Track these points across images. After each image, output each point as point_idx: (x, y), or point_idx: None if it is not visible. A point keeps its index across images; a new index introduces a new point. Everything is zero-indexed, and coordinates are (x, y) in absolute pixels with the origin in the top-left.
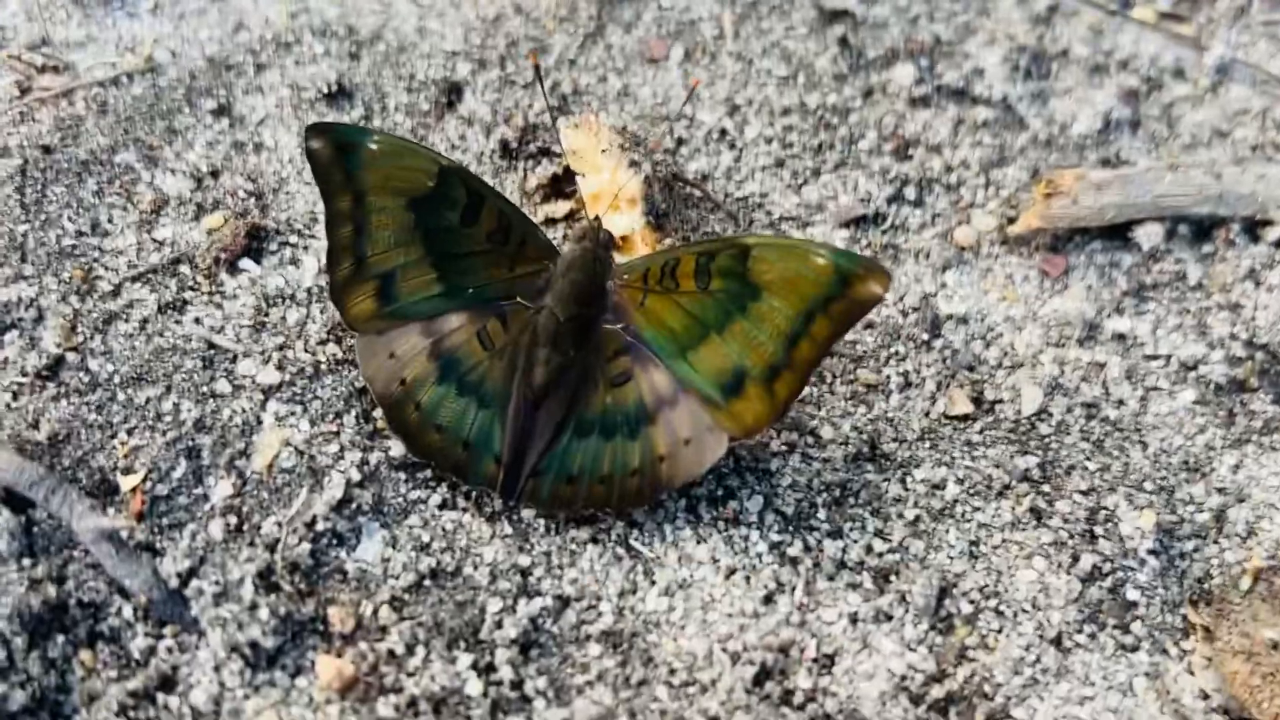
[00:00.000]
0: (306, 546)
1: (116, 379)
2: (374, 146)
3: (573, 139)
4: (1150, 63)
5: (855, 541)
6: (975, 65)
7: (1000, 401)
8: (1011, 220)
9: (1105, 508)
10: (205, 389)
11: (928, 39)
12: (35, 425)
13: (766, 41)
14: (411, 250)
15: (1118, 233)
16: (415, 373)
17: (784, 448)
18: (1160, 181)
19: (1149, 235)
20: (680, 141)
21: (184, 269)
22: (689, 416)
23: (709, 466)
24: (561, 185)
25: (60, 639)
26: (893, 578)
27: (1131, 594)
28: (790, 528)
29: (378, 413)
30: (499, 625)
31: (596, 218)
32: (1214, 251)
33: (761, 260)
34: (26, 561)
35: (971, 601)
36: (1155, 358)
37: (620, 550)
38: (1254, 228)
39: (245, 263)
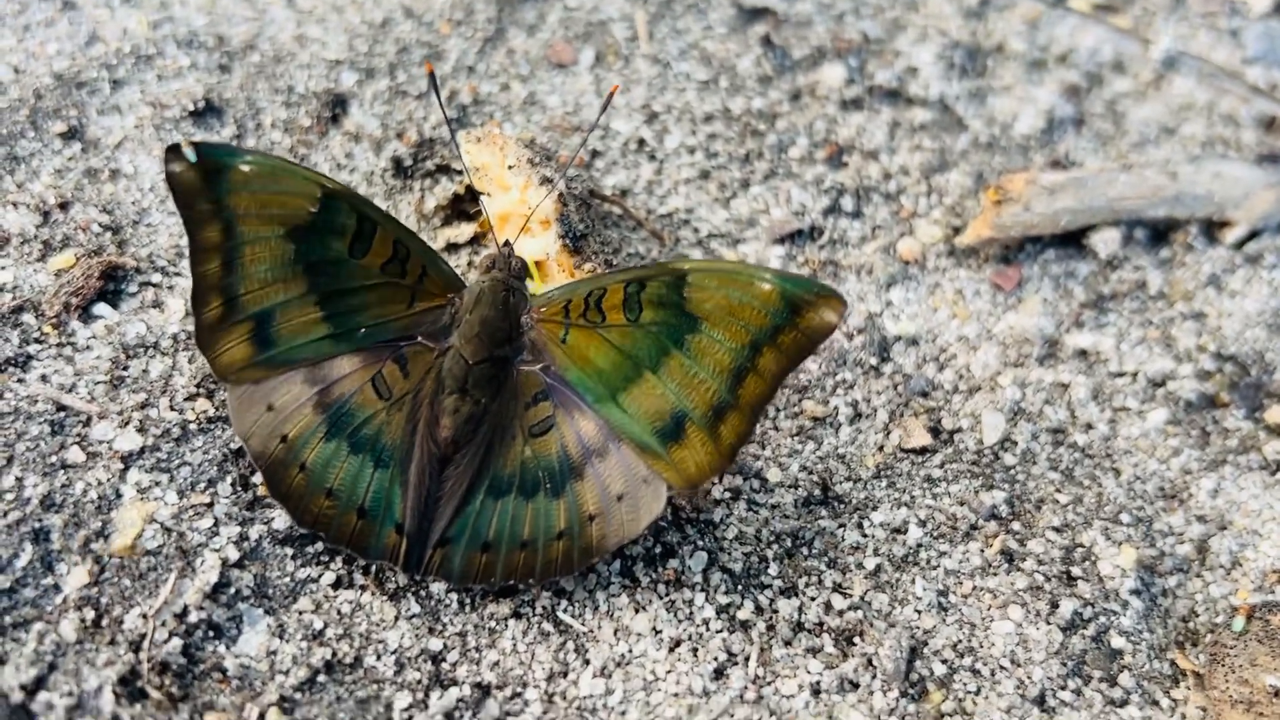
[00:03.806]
0: (178, 642)
1: None
2: (246, 168)
3: (475, 154)
4: (1089, 56)
5: (812, 599)
6: (908, 64)
7: (959, 430)
8: (958, 230)
9: (1081, 545)
10: (54, 459)
11: (856, 37)
12: None
13: (684, 42)
14: (292, 286)
15: (1072, 239)
16: (298, 428)
17: (728, 494)
18: (1114, 183)
19: (1106, 242)
20: (595, 154)
21: (27, 318)
22: (621, 468)
23: (647, 525)
24: (464, 206)
25: None
26: (856, 639)
27: (1117, 641)
28: (739, 587)
29: (258, 478)
30: None
31: (507, 243)
32: (1173, 256)
33: (699, 288)
34: None
35: (944, 661)
36: (1121, 375)
37: (547, 625)
38: (1211, 229)
39: (100, 308)
